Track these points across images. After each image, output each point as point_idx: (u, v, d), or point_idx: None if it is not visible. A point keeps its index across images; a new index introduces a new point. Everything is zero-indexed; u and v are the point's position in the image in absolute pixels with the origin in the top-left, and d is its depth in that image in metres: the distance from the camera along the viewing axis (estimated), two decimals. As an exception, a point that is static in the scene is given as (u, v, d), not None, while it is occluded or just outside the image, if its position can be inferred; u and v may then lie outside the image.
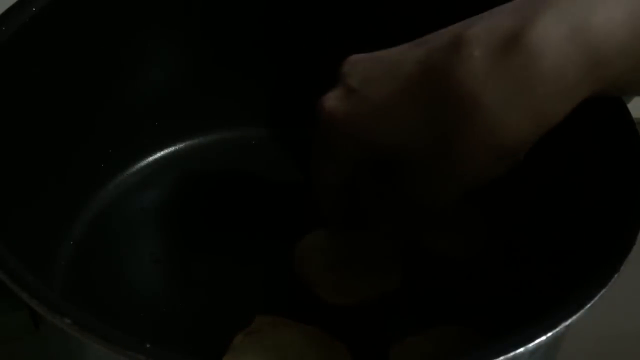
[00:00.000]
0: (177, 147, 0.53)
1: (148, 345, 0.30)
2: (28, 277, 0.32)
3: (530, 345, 0.31)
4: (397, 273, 0.47)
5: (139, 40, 0.50)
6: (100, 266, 0.48)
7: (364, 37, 0.51)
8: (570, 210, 0.41)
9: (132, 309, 0.45)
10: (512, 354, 0.30)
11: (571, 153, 0.43)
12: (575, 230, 0.40)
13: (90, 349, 0.32)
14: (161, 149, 0.53)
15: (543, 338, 0.31)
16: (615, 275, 0.33)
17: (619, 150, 0.40)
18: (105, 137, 0.50)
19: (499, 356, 0.30)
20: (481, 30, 0.35)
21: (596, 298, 0.32)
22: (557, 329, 0.31)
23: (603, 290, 0.32)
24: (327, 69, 0.53)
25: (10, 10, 0.43)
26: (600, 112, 0.41)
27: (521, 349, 0.31)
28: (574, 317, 0.31)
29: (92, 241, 0.48)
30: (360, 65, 0.39)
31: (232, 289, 0.47)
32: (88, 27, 0.47)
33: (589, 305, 0.32)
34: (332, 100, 0.39)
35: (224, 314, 0.45)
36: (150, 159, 0.53)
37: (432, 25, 0.49)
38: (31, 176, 0.44)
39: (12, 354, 0.42)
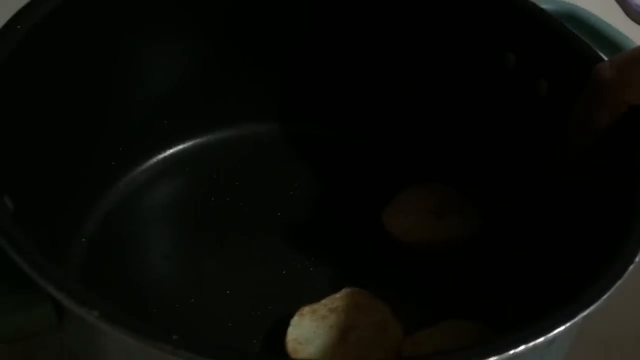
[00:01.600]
0: (187, 144, 0.54)
1: (175, 337, 0.30)
2: (54, 270, 0.32)
3: (550, 334, 0.31)
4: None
5: (148, 39, 0.50)
6: (111, 263, 0.48)
7: (372, 35, 0.52)
8: (581, 205, 0.42)
9: (143, 305, 0.46)
10: (532, 343, 0.31)
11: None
12: (588, 223, 0.41)
13: (115, 341, 0.33)
14: (171, 147, 0.53)
15: (562, 328, 0.31)
16: (631, 267, 0.34)
17: (624, 144, 0.40)
18: (115, 135, 0.50)
19: (518, 346, 0.31)
20: None
21: (613, 288, 0.33)
22: (576, 319, 0.32)
23: (619, 281, 0.33)
24: (337, 65, 0.54)
25: (21, 11, 0.43)
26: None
27: (541, 339, 0.31)
28: (593, 307, 0.32)
29: (103, 239, 0.49)
30: None
31: (242, 286, 0.47)
32: (98, 27, 0.47)
33: (607, 295, 0.32)
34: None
35: (234, 311, 0.46)
36: (160, 156, 0.53)
37: (436, 33, 0.50)
38: (41, 175, 0.44)
39: (35, 348, 0.42)
